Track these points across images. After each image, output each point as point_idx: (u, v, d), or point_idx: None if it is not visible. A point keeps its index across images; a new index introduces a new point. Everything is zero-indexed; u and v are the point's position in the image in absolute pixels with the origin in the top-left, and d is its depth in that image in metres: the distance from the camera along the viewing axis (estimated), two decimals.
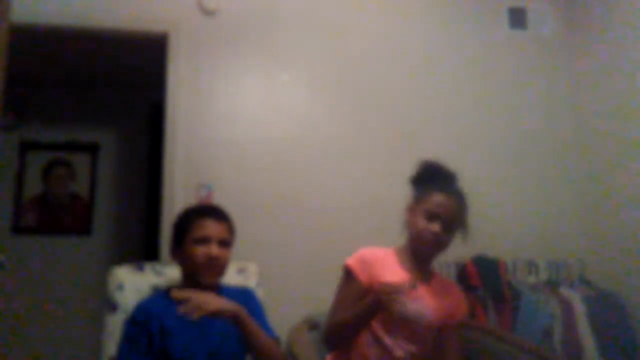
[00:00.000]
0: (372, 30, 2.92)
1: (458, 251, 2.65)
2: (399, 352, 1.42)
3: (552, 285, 2.66)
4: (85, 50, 3.52)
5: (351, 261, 1.48)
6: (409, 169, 2.77)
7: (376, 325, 1.42)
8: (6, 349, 3.67)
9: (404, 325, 1.43)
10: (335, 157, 2.74)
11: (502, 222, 2.84)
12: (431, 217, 1.46)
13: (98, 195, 4.22)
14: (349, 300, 1.42)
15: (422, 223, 1.46)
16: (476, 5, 3.06)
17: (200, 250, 1.38)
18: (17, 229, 4.06)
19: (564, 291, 2.61)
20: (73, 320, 3.84)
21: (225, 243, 1.44)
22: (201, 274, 1.38)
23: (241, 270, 1.69)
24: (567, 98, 3.06)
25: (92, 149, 4.26)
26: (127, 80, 4.09)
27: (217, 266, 1.41)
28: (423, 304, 1.45)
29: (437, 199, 1.48)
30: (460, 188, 1.57)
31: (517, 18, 3.08)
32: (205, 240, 1.39)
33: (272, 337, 1.44)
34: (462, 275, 2.59)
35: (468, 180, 2.83)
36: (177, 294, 1.27)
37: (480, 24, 3.05)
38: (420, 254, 1.51)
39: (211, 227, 1.42)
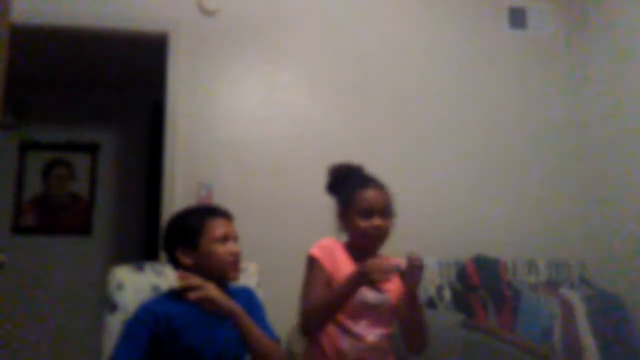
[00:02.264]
0: (373, 30, 2.92)
1: (458, 251, 2.69)
2: (370, 337, 1.48)
3: (552, 285, 2.66)
4: (86, 50, 3.52)
5: (315, 251, 1.54)
6: (410, 167, 2.80)
7: (342, 317, 1.47)
8: (6, 348, 3.67)
9: (368, 312, 1.48)
10: (335, 156, 2.72)
11: (502, 222, 2.84)
12: (368, 214, 1.51)
13: (98, 195, 4.22)
14: (318, 286, 1.47)
15: (362, 223, 1.51)
16: (476, 5, 3.06)
17: (225, 249, 1.39)
18: (17, 229, 4.06)
19: (564, 291, 2.61)
20: (73, 320, 3.85)
21: (237, 240, 1.46)
22: (229, 272, 1.40)
23: (241, 270, 1.69)
24: (567, 98, 3.06)
25: (92, 149, 4.26)
26: (127, 80, 4.09)
27: (239, 263, 1.43)
28: (382, 290, 1.50)
29: (366, 195, 1.53)
30: (373, 175, 1.62)
31: (517, 18, 3.08)
32: (225, 239, 1.41)
33: (272, 337, 1.44)
34: (462, 275, 2.59)
35: (467, 180, 2.86)
36: (182, 276, 1.31)
37: (480, 24, 3.05)
38: (368, 249, 1.55)
39: (227, 226, 1.44)
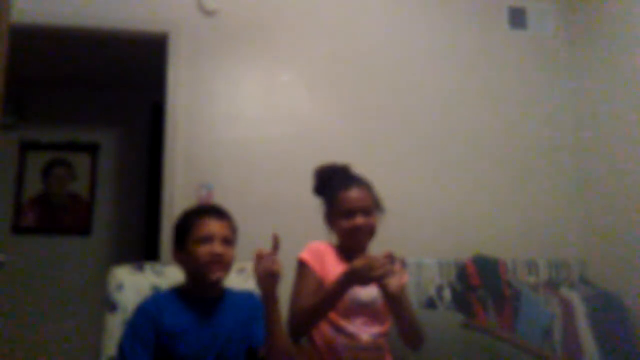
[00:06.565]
0: (372, 31, 2.92)
1: (458, 251, 2.69)
2: (364, 336, 1.48)
3: (552, 285, 2.66)
4: (86, 50, 3.52)
5: (305, 254, 1.56)
6: (410, 167, 2.80)
7: (335, 316, 1.47)
8: (6, 348, 3.67)
9: (361, 311, 1.49)
10: (335, 156, 2.71)
11: (502, 222, 2.84)
12: (350, 214, 1.55)
13: (98, 195, 4.22)
14: (308, 290, 1.48)
15: (345, 223, 1.55)
16: (476, 5, 3.06)
17: (204, 249, 1.37)
18: (17, 229, 4.06)
19: (564, 291, 2.61)
20: (73, 320, 3.84)
21: (228, 241, 1.43)
22: (206, 271, 1.37)
23: (241, 271, 1.69)
24: (567, 98, 3.06)
25: (92, 149, 4.26)
26: (127, 80, 4.09)
27: (221, 263, 1.39)
28: (373, 289, 1.49)
29: (347, 196, 1.57)
30: (357, 174, 1.64)
31: (517, 18, 3.08)
32: (208, 239, 1.39)
33: None
34: (462, 275, 2.59)
35: (467, 179, 2.86)
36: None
37: (480, 24, 3.05)
38: (356, 248, 1.57)
39: (213, 226, 1.41)
